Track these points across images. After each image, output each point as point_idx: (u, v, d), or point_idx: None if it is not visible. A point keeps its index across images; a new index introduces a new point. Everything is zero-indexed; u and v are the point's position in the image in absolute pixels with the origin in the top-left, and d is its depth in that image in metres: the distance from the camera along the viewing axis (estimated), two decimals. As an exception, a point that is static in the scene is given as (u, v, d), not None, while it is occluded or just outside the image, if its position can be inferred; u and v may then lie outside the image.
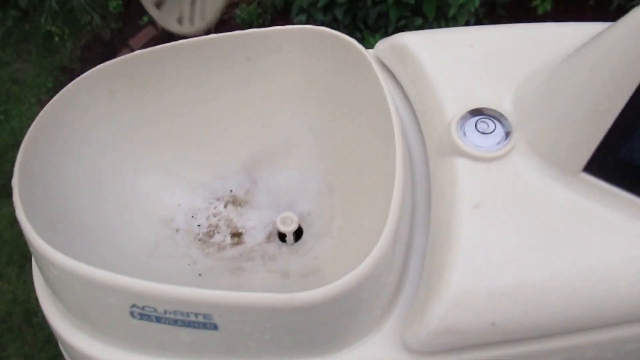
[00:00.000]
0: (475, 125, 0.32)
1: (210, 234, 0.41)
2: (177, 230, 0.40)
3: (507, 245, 0.29)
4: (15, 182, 0.32)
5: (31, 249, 0.31)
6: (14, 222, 1.24)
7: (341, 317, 0.29)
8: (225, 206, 0.42)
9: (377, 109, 0.35)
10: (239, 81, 0.39)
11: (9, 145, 1.49)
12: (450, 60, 0.36)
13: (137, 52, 0.37)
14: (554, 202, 0.30)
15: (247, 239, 0.42)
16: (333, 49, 0.37)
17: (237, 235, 0.41)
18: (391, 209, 0.29)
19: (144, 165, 0.40)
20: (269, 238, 0.42)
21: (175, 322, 0.29)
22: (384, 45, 0.40)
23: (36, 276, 0.36)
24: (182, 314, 0.28)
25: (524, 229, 0.29)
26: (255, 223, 0.42)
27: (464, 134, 0.32)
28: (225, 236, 0.41)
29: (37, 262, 0.32)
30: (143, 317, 0.29)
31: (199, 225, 0.41)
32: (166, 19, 1.01)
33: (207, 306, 0.28)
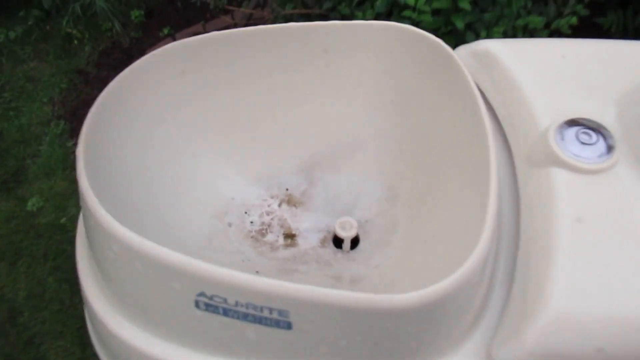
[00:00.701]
0: (577, 135, 0.30)
1: (262, 233, 0.39)
2: (230, 225, 0.38)
3: (616, 264, 0.26)
4: (80, 151, 0.29)
5: (90, 224, 0.29)
6: (10, 218, 1.22)
7: (429, 327, 0.26)
8: (279, 205, 0.40)
9: (463, 114, 0.33)
10: (313, 74, 0.37)
11: (16, 141, 1.47)
12: (541, 69, 0.34)
13: (213, 33, 0.35)
14: (664, 223, 0.27)
15: (301, 242, 0.39)
16: (416, 48, 0.35)
17: (290, 236, 0.39)
18: (488, 214, 0.26)
19: (204, 151, 0.38)
20: (323, 243, 0.39)
21: (245, 317, 0.26)
22: (464, 51, 0.38)
23: (82, 260, 0.33)
24: (255, 308, 0.26)
25: (634, 248, 0.27)
26: (309, 225, 0.40)
27: (563, 143, 0.30)
28: (278, 236, 0.39)
29: (93, 240, 0.30)
30: (209, 308, 0.27)
31: (251, 222, 0.39)
32: None
33: (287, 301, 0.25)
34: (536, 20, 0.64)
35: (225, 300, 0.26)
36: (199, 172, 0.38)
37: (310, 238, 0.39)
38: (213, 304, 0.26)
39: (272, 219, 0.39)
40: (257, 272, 0.35)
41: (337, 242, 0.39)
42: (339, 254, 0.39)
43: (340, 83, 0.38)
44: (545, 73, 0.34)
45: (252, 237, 0.38)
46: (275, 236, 0.39)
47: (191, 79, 0.36)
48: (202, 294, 0.26)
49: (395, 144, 0.38)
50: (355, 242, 0.39)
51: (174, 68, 0.35)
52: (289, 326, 0.26)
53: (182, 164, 0.36)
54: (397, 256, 0.36)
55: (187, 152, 0.37)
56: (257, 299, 0.25)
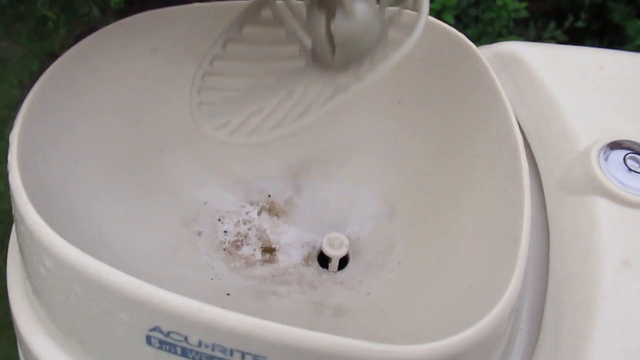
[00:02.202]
0: (624, 161, 0.25)
1: (237, 245, 0.33)
2: (199, 234, 0.32)
3: (668, 320, 0.22)
4: (13, 138, 0.23)
5: (19, 230, 0.23)
6: None
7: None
8: (259, 213, 0.34)
9: (487, 125, 0.28)
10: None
11: None
12: (576, 80, 0.29)
13: (194, 4, 0.30)
14: None
15: (281, 257, 0.33)
16: (434, 43, 0.30)
17: (269, 250, 0.33)
18: (519, 252, 0.21)
19: (172, 147, 0.32)
20: (306, 260, 0.34)
21: (209, 360, 0.21)
22: (485, 52, 0.33)
23: (12, 272, 0.27)
24: (224, 351, 0.20)
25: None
26: (292, 239, 0.34)
27: (607, 168, 0.25)
28: (255, 250, 0.33)
29: (23, 251, 0.24)
30: (164, 346, 0.21)
31: (225, 232, 0.33)
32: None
33: (265, 346, 0.19)
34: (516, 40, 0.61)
35: (185, 339, 0.20)
36: (165, 170, 0.32)
37: (292, 254, 0.34)
38: (170, 341, 0.21)
39: (249, 229, 0.34)
40: (227, 294, 0.29)
41: (323, 260, 0.34)
42: (324, 274, 0.33)
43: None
44: (582, 85, 0.29)
45: (224, 249, 0.32)
46: (251, 249, 0.33)
47: (161, 58, 0.30)
48: (156, 329, 0.20)
49: (399, 152, 0.33)
50: (344, 262, 0.34)
51: (142, 44, 0.29)
52: (265, 376, 0.21)
53: (145, 160, 0.30)
54: (392, 283, 0.31)
55: (151, 146, 0.31)
56: (227, 341, 0.20)
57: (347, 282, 0.33)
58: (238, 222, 0.34)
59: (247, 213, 0.34)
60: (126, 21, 0.28)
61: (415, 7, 0.24)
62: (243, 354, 0.20)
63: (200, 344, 0.20)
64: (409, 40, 0.23)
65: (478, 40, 0.82)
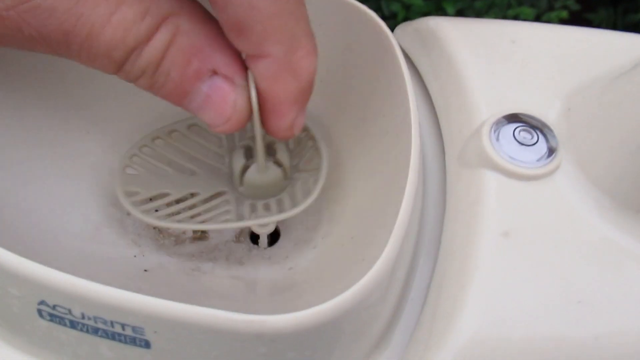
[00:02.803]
0: (514, 134, 0.25)
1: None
2: (129, 214, 0.33)
3: (542, 286, 0.22)
4: None
5: None
6: None
7: (314, 354, 0.22)
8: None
9: (393, 102, 0.28)
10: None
11: None
12: (486, 54, 0.29)
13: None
14: (603, 243, 0.23)
15: (213, 234, 0.34)
16: (352, 23, 0.30)
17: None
18: (398, 221, 0.22)
19: (93, 119, 0.32)
20: (238, 237, 0.35)
21: (95, 331, 0.22)
22: (405, 28, 0.33)
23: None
24: (105, 323, 0.21)
25: (562, 272, 0.23)
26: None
27: (498, 142, 0.25)
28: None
29: None
30: (54, 318, 0.22)
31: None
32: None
33: (138, 317, 0.20)
34: (527, 12, 0.60)
35: (69, 312, 0.21)
36: (88, 144, 0.33)
37: (224, 232, 0.35)
38: (57, 314, 0.22)
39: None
40: (145, 270, 0.30)
41: (255, 237, 0.35)
42: (254, 250, 0.34)
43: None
44: (491, 59, 0.29)
45: (154, 227, 0.33)
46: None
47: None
48: (43, 303, 0.22)
49: (322, 130, 0.34)
50: (275, 238, 0.35)
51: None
52: (146, 344, 0.22)
53: (66, 131, 0.31)
54: (314, 257, 0.32)
55: (71, 116, 0.32)
56: (105, 312, 0.21)
57: (275, 257, 0.34)
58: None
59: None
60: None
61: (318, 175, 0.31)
62: (123, 325, 0.21)
63: (83, 316, 0.21)
64: (303, 204, 0.30)
65: (486, 12, 0.80)
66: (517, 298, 0.22)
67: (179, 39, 0.20)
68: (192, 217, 0.32)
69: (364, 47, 0.30)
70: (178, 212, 0.32)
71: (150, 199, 0.32)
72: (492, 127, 0.25)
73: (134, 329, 0.21)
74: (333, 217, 0.33)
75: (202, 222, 0.31)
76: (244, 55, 0.22)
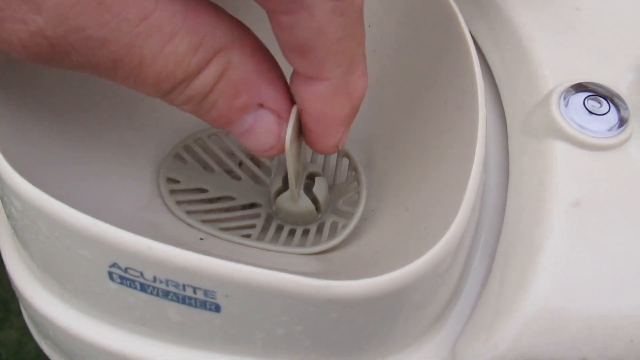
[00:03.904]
0: (584, 103, 0.25)
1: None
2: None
3: (613, 260, 0.22)
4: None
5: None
6: None
7: (384, 320, 0.22)
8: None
9: (454, 70, 0.28)
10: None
11: None
12: (550, 23, 0.29)
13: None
14: (680, 214, 0.23)
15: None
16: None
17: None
18: (468, 188, 0.22)
19: (156, 109, 0.33)
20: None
21: (165, 295, 0.22)
22: (463, -3, 0.32)
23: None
24: (177, 286, 0.21)
25: (635, 242, 0.22)
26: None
27: (567, 111, 0.25)
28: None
29: (2, 197, 0.25)
30: (124, 281, 0.22)
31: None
32: None
33: (212, 280, 0.21)
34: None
35: (141, 274, 0.22)
36: (146, 115, 0.33)
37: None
38: (128, 277, 0.22)
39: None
40: (201, 239, 0.30)
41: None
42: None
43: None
44: (555, 28, 0.29)
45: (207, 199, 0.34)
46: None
47: None
48: (115, 265, 0.22)
49: (377, 104, 0.33)
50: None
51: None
52: (217, 308, 0.22)
53: (125, 103, 0.31)
54: (367, 230, 0.32)
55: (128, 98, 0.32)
56: (178, 276, 0.21)
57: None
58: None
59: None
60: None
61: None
62: (194, 289, 0.21)
63: (155, 279, 0.21)
64: (320, 246, 0.30)
65: None
66: (589, 268, 0.22)
67: (230, 72, 0.20)
68: (219, 220, 0.32)
69: (424, 16, 0.29)
70: (208, 211, 0.32)
71: (188, 191, 0.32)
72: (561, 96, 0.25)
73: (205, 292, 0.21)
74: (382, 190, 0.33)
75: (224, 229, 0.31)
76: (295, 76, 0.22)
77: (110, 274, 0.22)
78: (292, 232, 0.32)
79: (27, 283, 0.27)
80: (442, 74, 0.29)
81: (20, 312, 0.31)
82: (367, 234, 0.30)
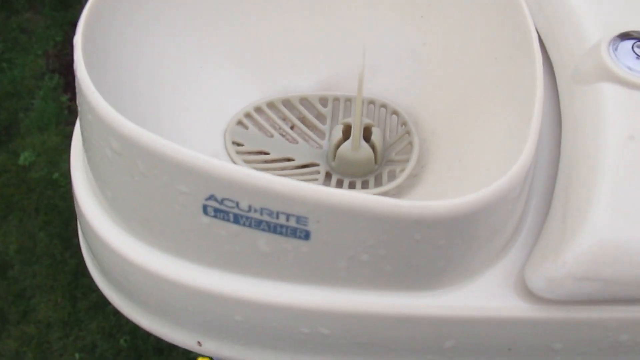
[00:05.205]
0: (633, 49, 0.27)
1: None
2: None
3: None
4: (77, 41, 0.26)
5: (87, 119, 0.26)
6: (2, 172, 1.21)
7: (462, 243, 0.23)
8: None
9: (504, 27, 0.30)
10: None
11: (8, 93, 1.44)
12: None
13: None
14: None
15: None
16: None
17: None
18: (533, 120, 0.24)
19: (211, 65, 0.34)
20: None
21: (258, 224, 0.24)
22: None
23: (76, 170, 0.31)
24: (270, 214, 0.23)
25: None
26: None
27: (617, 56, 0.27)
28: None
29: (89, 139, 0.27)
30: (218, 214, 0.24)
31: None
32: None
33: (307, 205, 0.22)
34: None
35: (237, 205, 0.23)
36: (205, 86, 0.34)
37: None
38: (223, 208, 0.24)
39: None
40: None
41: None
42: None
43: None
44: (595, -14, 0.31)
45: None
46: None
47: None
48: (211, 197, 0.23)
49: (423, 66, 0.35)
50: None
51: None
52: (306, 236, 0.24)
53: (188, 74, 0.33)
54: (421, 181, 0.34)
55: (194, 60, 0.34)
56: (273, 203, 0.23)
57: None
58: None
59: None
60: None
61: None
62: (288, 216, 0.23)
63: (249, 208, 0.23)
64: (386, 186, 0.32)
65: None
66: (647, 195, 0.24)
67: None
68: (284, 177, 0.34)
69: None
70: (271, 170, 0.34)
71: (252, 153, 0.34)
72: (610, 43, 0.27)
73: (298, 219, 0.23)
74: (430, 149, 0.35)
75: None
76: None
77: (205, 208, 0.24)
78: (352, 185, 0.34)
79: (109, 229, 0.28)
80: (490, 34, 0.31)
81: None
82: (424, 183, 0.32)
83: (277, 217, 0.23)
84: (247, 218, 0.24)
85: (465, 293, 0.25)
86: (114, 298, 0.32)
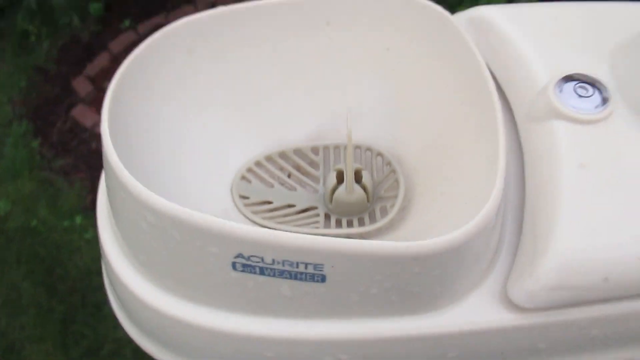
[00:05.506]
0: (574, 90, 0.32)
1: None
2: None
3: (615, 202, 0.29)
4: (104, 128, 0.30)
5: (120, 196, 0.30)
6: None
7: (453, 270, 0.28)
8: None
9: (466, 77, 0.35)
10: (316, 46, 0.39)
11: None
12: (535, 31, 0.36)
13: (217, 9, 0.36)
14: (658, 164, 0.30)
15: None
16: (416, 16, 0.37)
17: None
18: (499, 161, 0.29)
19: (215, 132, 0.39)
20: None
21: (281, 274, 0.28)
22: (460, 17, 0.40)
23: (105, 232, 0.35)
24: (291, 264, 0.27)
25: (632, 189, 0.29)
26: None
27: (562, 97, 0.32)
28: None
29: (120, 213, 0.31)
30: (246, 268, 0.28)
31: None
32: None
33: (322, 254, 0.27)
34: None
35: (262, 260, 0.28)
36: (212, 148, 0.39)
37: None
38: (250, 264, 0.28)
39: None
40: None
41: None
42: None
43: (344, 54, 0.39)
44: (540, 34, 0.36)
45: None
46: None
47: (198, 56, 0.37)
48: (239, 256, 0.28)
49: (400, 111, 0.40)
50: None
51: (182, 46, 0.36)
52: (323, 279, 0.28)
53: (198, 138, 0.38)
54: (405, 215, 0.38)
55: (196, 125, 0.38)
56: (293, 255, 0.27)
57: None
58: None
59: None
60: (173, 26, 0.35)
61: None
62: (306, 265, 0.27)
63: (273, 261, 0.27)
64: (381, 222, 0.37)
65: (459, 4, 0.91)
66: (600, 213, 0.29)
67: None
68: (290, 222, 0.38)
69: (434, 37, 0.37)
70: (277, 217, 0.38)
71: (257, 204, 0.39)
72: (555, 86, 0.32)
73: (315, 266, 0.27)
74: (413, 183, 0.40)
75: (298, 226, 0.38)
76: None
77: (234, 264, 0.28)
78: (349, 223, 0.38)
79: (146, 291, 0.32)
80: (455, 81, 0.36)
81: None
82: (413, 216, 0.37)
83: (297, 267, 0.27)
84: (272, 269, 0.28)
85: (459, 311, 0.29)
86: (150, 347, 0.36)
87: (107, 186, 0.33)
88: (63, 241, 1.38)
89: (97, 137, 1.60)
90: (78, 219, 1.41)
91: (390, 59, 0.39)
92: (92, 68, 1.79)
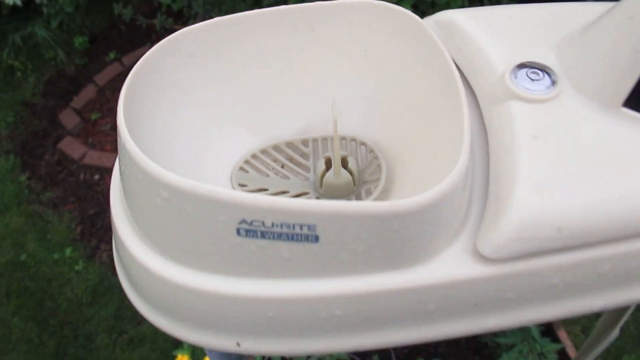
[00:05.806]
0: (527, 75, 0.37)
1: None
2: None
3: (565, 166, 0.34)
4: (121, 121, 0.35)
5: (135, 176, 0.34)
6: None
7: (430, 227, 0.32)
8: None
9: (437, 72, 0.40)
10: (302, 50, 0.44)
11: None
12: (493, 28, 0.42)
13: (215, 19, 0.41)
14: (600, 133, 0.35)
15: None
16: (390, 21, 0.42)
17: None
18: (464, 133, 0.33)
19: (218, 128, 0.43)
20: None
21: (279, 236, 0.32)
22: (429, 21, 0.45)
23: (119, 216, 0.38)
24: (288, 226, 0.32)
25: (577, 154, 0.34)
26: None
27: (517, 81, 0.37)
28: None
29: (135, 192, 0.35)
30: (249, 233, 0.32)
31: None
32: None
33: (314, 216, 0.31)
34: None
35: (262, 223, 0.32)
36: (215, 142, 0.43)
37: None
38: (252, 228, 0.32)
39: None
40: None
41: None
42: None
43: (327, 56, 0.44)
44: (497, 31, 0.42)
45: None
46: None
47: (198, 61, 0.41)
48: (243, 221, 0.32)
49: (378, 106, 0.45)
50: None
51: (183, 51, 0.41)
52: (316, 239, 0.32)
53: (204, 135, 0.42)
54: (392, 192, 0.43)
55: (199, 123, 0.42)
56: (289, 218, 0.31)
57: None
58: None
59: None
60: (176, 34, 0.40)
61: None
62: (301, 226, 0.32)
63: (272, 225, 0.32)
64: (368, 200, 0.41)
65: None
66: (552, 176, 0.34)
67: None
68: None
69: (407, 39, 0.42)
70: None
71: (254, 191, 0.43)
72: (511, 72, 0.37)
73: (309, 227, 0.32)
74: (394, 168, 0.44)
75: None
76: None
77: (238, 230, 0.32)
78: None
79: (159, 264, 0.36)
80: (426, 76, 0.41)
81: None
82: (395, 196, 0.41)
83: (294, 228, 0.32)
84: (271, 232, 0.32)
85: (436, 266, 0.34)
86: (160, 321, 0.40)
87: (122, 172, 0.37)
88: (53, 274, 1.38)
89: (85, 169, 1.62)
90: (68, 251, 1.42)
91: (368, 59, 0.44)
92: (79, 100, 1.82)
